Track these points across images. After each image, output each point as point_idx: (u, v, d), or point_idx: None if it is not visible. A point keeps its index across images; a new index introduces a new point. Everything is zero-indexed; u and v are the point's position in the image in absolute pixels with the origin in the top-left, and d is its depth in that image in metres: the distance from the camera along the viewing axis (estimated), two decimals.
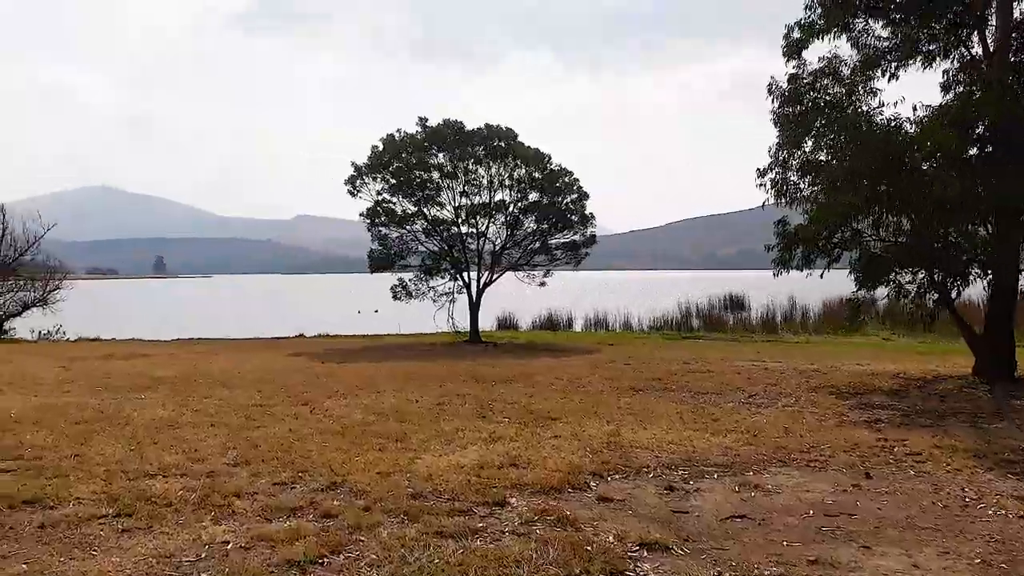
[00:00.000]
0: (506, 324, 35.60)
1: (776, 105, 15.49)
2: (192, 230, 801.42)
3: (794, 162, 15.38)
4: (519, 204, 27.00)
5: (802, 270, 15.67)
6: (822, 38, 15.04)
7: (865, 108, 14.71)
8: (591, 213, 26.91)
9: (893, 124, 14.09)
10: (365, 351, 23.36)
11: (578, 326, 37.63)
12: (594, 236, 27.21)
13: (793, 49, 15.34)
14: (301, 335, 32.58)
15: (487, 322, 31.82)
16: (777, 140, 15.49)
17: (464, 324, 27.87)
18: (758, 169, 15.77)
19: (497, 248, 27.54)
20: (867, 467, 8.16)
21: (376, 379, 15.55)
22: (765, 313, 34.41)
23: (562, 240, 27.11)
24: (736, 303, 38.34)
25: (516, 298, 36.58)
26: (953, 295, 15.42)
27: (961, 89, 14.38)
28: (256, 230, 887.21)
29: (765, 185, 15.68)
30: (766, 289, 32.35)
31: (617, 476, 7.80)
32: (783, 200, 15.55)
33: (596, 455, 8.55)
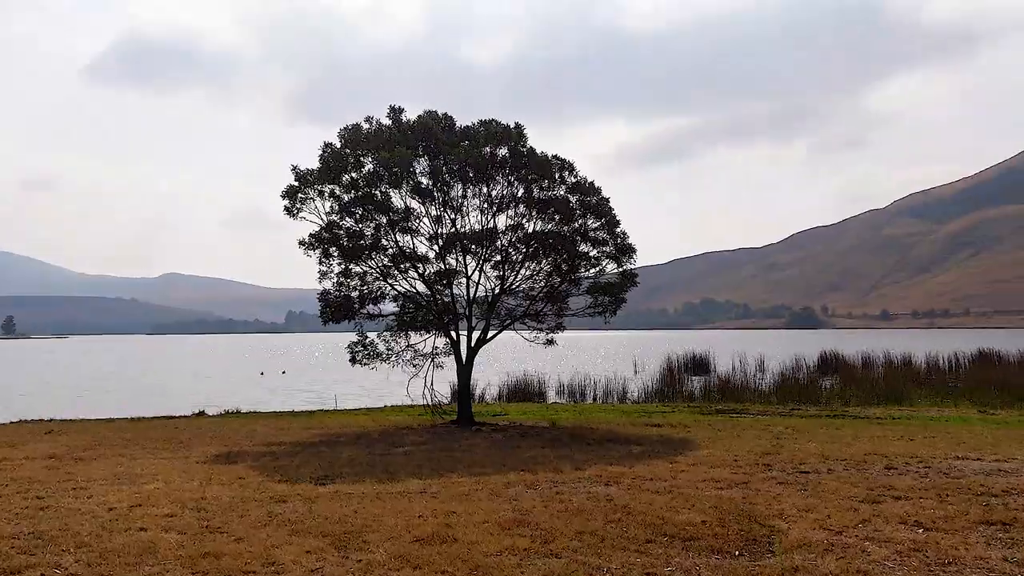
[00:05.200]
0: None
1: None
2: (45, 288, 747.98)
3: None
4: (531, 230, 19.32)
5: None
6: None
7: None
8: (631, 243, 19.40)
9: None
10: (325, 447, 14.88)
11: (552, 394, 30.16)
12: (633, 275, 19.65)
13: None
14: (201, 412, 23.56)
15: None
16: None
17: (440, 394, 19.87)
18: None
19: (493, 293, 19.65)
20: None
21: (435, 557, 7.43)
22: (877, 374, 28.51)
23: (594, 280, 19.44)
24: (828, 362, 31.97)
25: (491, 357, 28.66)
26: None
27: None
28: (118, 288, 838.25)
29: None
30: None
31: None
32: None
33: None
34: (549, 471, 11.43)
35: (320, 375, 49.77)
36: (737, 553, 6.82)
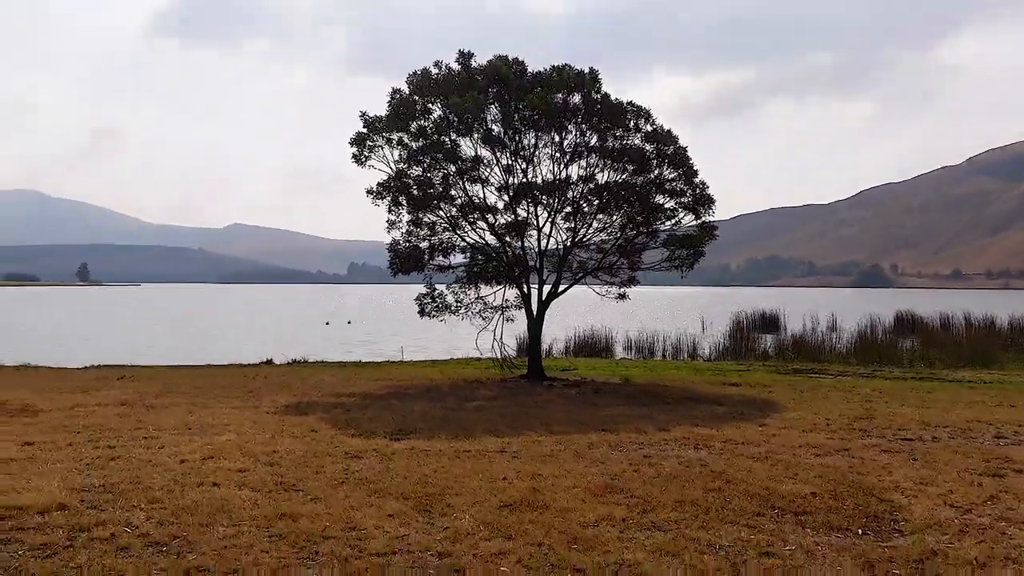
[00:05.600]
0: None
1: None
2: (119, 237, 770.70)
3: None
4: (603, 181, 18.52)
5: None
6: None
7: None
8: (711, 193, 18.45)
9: None
10: (396, 399, 14.50)
11: (619, 350, 29.52)
12: (712, 228, 18.69)
13: None
14: (269, 361, 23.57)
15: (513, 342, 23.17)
16: None
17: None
18: None
19: (564, 246, 18.93)
20: None
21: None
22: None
23: (671, 232, 18.57)
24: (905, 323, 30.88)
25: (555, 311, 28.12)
26: None
27: None
28: (187, 238, 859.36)
29: None
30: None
31: None
32: None
33: None
34: (631, 431, 10.84)
35: (385, 326, 49.92)
36: (860, 531, 6.15)
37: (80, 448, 9.19)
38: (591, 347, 29.16)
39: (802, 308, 47.24)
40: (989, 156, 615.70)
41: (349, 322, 52.78)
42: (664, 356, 28.63)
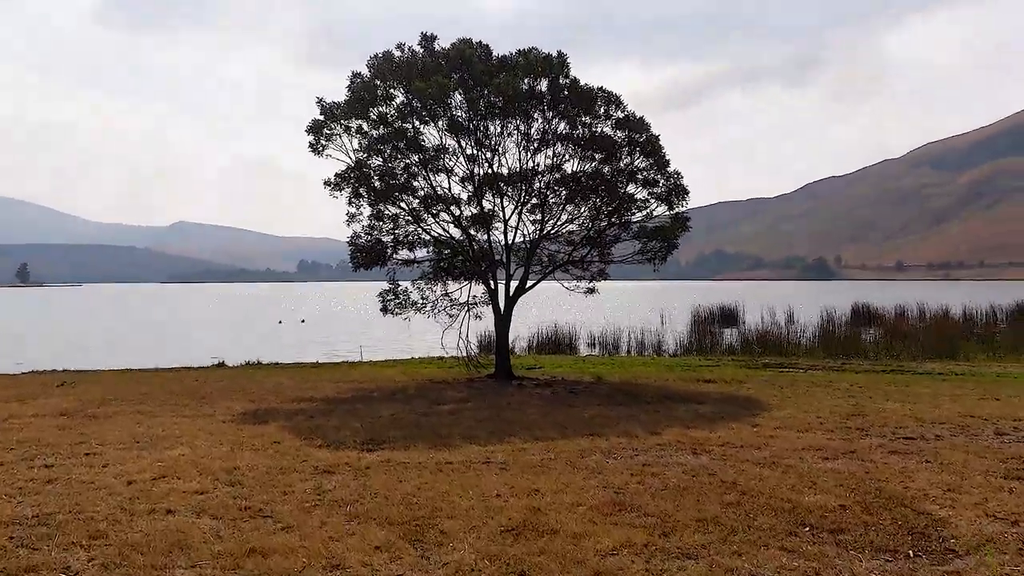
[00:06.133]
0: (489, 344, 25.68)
1: None
2: (57, 236, 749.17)
3: None
4: (572, 170, 17.78)
5: None
6: None
7: None
8: (685, 184, 17.80)
9: None
10: (361, 403, 13.56)
11: (582, 348, 28.88)
12: (686, 219, 18.04)
13: None
14: (221, 363, 22.39)
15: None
16: None
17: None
18: None
19: (532, 239, 18.14)
20: None
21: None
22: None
23: (642, 224, 17.87)
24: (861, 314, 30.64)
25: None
26: None
27: None
28: (132, 236, 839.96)
29: None
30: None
31: None
32: None
33: None
34: (620, 435, 10.10)
35: (340, 325, 48.66)
36: (912, 553, 5.47)
37: (12, 468, 8.13)
38: (554, 344, 28.43)
39: (756, 302, 47.16)
40: (929, 149, 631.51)
41: (303, 321, 51.37)
42: (629, 352, 28.05)
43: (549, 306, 51.47)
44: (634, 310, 59.58)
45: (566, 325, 30.06)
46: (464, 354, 18.38)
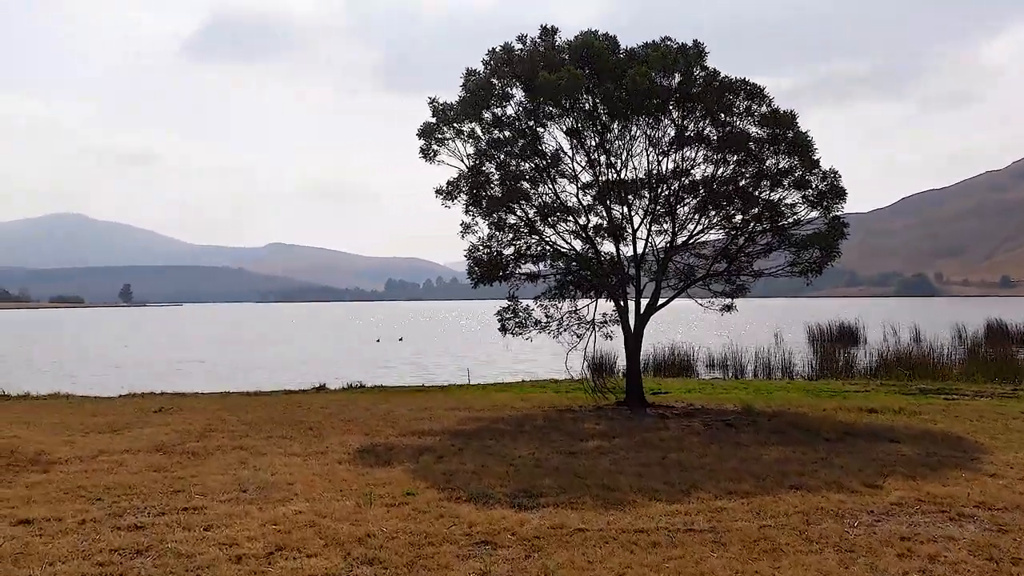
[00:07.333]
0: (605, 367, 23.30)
1: None
2: (159, 258, 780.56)
3: None
4: (704, 175, 15.73)
5: None
6: None
7: None
8: (841, 185, 15.49)
9: None
10: (490, 438, 11.73)
11: (700, 369, 26.60)
12: (844, 224, 15.71)
13: None
14: (322, 386, 21.02)
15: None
16: None
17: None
18: None
19: (664, 250, 16.10)
20: None
21: None
22: None
23: (786, 230, 15.58)
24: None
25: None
26: None
27: None
28: (226, 257, 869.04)
29: None
30: None
31: None
32: None
33: None
34: (832, 489, 8.01)
35: (437, 343, 47.45)
36: None
37: (97, 529, 6.59)
38: (671, 365, 26.25)
39: (868, 319, 44.00)
40: None
41: (400, 339, 50.52)
42: (756, 374, 25.69)
43: (651, 324, 49.18)
44: (737, 328, 56.60)
45: (683, 344, 27.83)
46: (587, 377, 16.46)
